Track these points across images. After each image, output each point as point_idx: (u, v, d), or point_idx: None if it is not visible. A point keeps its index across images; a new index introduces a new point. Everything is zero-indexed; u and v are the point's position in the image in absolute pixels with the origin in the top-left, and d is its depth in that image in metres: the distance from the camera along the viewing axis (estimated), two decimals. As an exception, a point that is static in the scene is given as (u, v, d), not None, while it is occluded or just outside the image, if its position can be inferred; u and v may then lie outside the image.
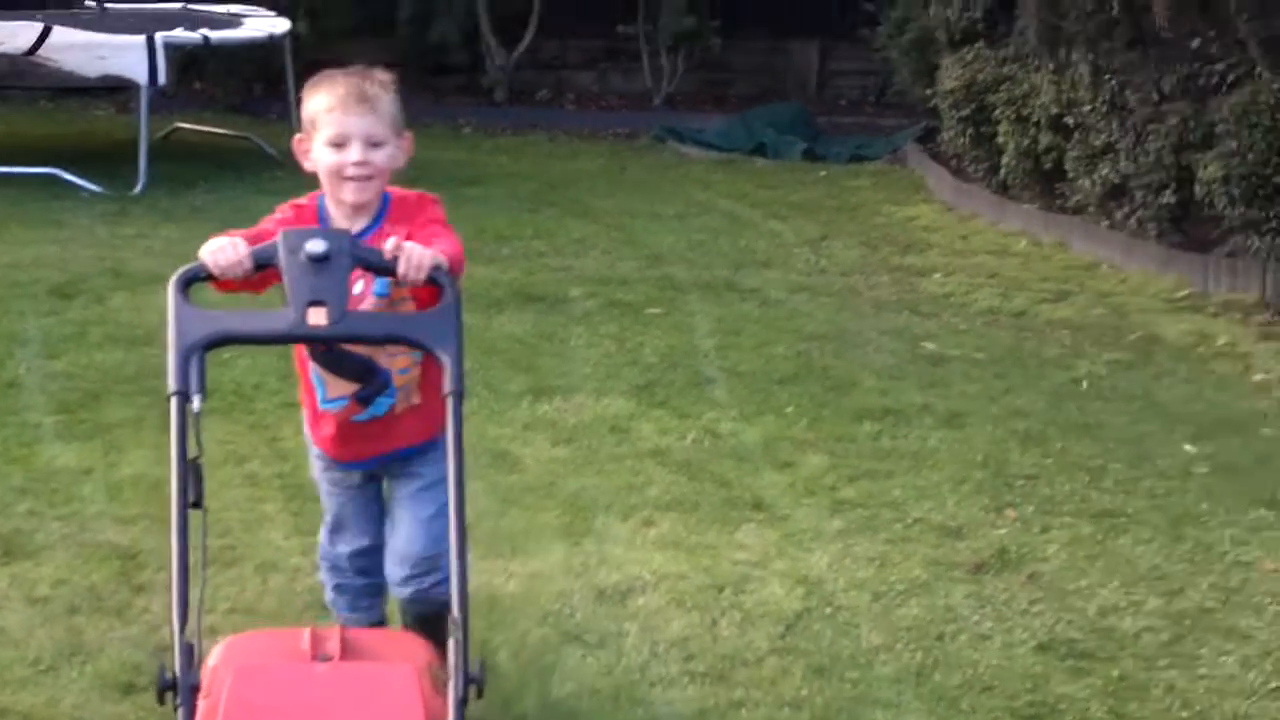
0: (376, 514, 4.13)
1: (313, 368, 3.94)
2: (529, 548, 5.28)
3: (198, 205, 10.33)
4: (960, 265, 9.55)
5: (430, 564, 3.92)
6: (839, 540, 5.45)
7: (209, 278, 3.58)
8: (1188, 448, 6.43)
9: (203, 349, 3.42)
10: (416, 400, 3.94)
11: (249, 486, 5.76)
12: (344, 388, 3.92)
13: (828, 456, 6.22)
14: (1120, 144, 9.38)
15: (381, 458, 4.03)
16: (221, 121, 13.64)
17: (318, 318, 3.41)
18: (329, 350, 3.83)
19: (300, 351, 3.96)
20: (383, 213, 3.84)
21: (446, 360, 3.46)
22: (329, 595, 4.25)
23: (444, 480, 3.75)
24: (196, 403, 3.40)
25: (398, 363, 3.89)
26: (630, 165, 12.88)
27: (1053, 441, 6.44)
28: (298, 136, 3.85)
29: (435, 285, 3.55)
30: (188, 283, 3.52)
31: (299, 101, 3.91)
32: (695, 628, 4.78)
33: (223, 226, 10.34)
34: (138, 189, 10.69)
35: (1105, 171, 9.54)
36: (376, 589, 4.16)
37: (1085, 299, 8.79)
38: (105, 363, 7.10)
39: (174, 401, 3.40)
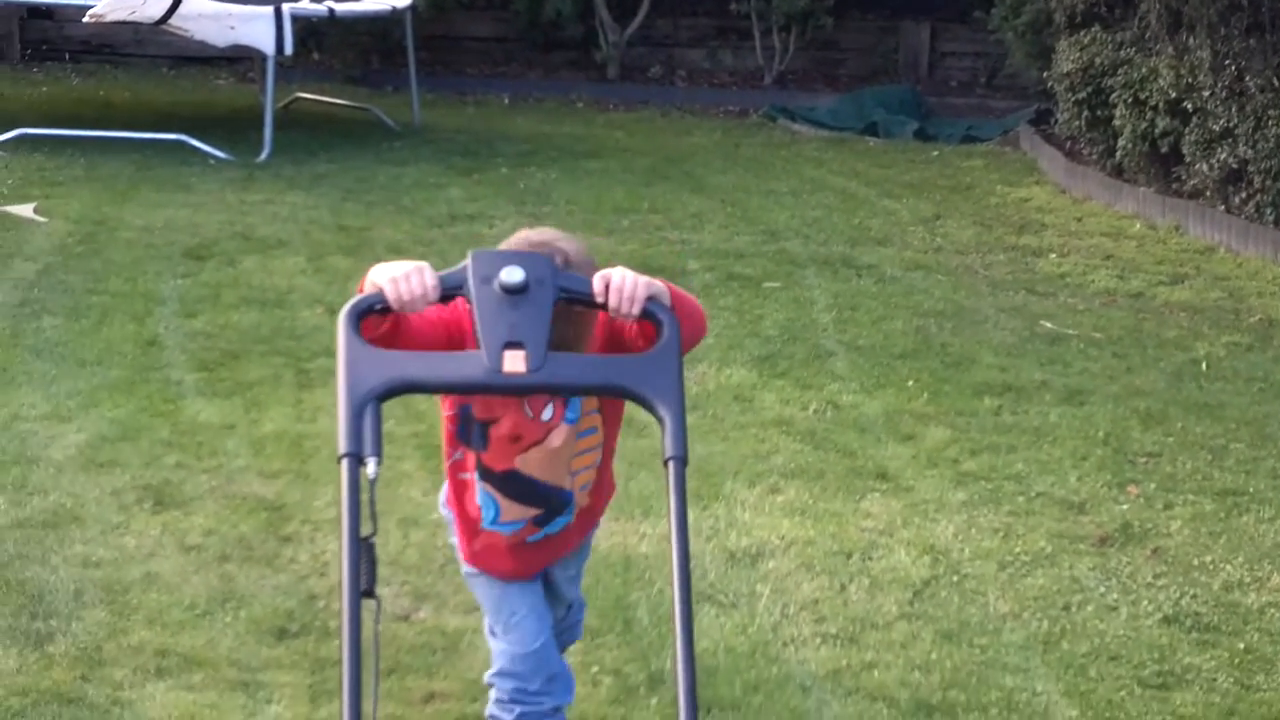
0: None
1: (481, 488, 3.46)
2: (659, 510, 5.37)
3: (320, 173, 10.47)
4: (1075, 246, 9.58)
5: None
6: (963, 511, 5.54)
7: (385, 310, 2.97)
8: (1310, 430, 6.47)
9: (378, 399, 2.87)
10: (586, 502, 3.60)
11: (386, 445, 5.81)
12: (521, 511, 3.49)
13: (949, 430, 6.30)
14: (1239, 129, 9.38)
15: (546, 568, 3.68)
16: (340, 93, 13.90)
17: (515, 363, 2.88)
18: (511, 477, 3.36)
19: (451, 429, 3.43)
20: None
21: (667, 417, 2.88)
22: None
23: (581, 573, 3.77)
24: (372, 467, 2.83)
25: (580, 480, 3.50)
26: (742, 142, 12.96)
27: (1174, 420, 6.49)
28: None
29: (651, 321, 3.02)
30: (361, 316, 2.93)
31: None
32: (825, 591, 4.89)
33: (346, 195, 10.48)
34: (263, 156, 10.90)
35: (1223, 156, 9.53)
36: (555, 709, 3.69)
37: (1202, 282, 8.80)
38: (241, 323, 7.29)
39: (345, 465, 2.83)
